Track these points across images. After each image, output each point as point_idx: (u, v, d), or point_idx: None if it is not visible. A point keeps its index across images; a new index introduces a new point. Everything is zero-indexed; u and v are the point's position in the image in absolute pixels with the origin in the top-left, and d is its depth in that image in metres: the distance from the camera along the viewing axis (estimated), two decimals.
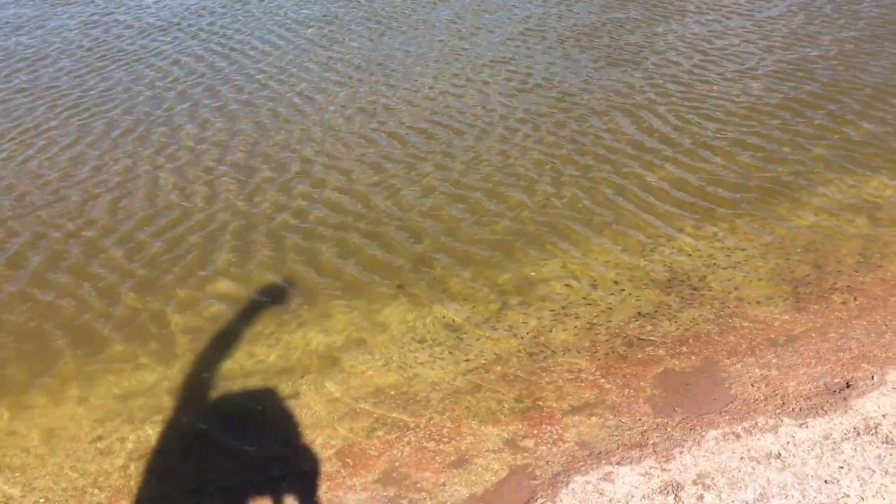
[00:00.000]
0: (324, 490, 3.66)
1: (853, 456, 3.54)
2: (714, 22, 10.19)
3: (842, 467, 3.48)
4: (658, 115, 7.57)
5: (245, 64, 9.49)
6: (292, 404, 4.24)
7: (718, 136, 7.13)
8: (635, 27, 10.12)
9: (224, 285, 5.27)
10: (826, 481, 3.42)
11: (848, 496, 3.33)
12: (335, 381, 4.41)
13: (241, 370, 4.52)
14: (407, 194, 6.35)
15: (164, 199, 6.44)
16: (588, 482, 3.56)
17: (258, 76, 9.07)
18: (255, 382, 4.43)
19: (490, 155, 6.96)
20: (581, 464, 3.69)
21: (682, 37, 9.74)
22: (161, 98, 8.53)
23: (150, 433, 4.10)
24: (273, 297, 5.15)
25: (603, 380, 4.26)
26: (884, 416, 3.76)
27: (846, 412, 3.82)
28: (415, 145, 7.22)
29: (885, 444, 3.57)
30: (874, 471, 3.44)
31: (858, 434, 3.66)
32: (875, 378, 4.04)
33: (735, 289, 4.96)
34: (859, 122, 7.21)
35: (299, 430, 4.06)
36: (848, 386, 4.02)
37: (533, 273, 5.34)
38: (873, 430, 3.67)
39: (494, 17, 10.78)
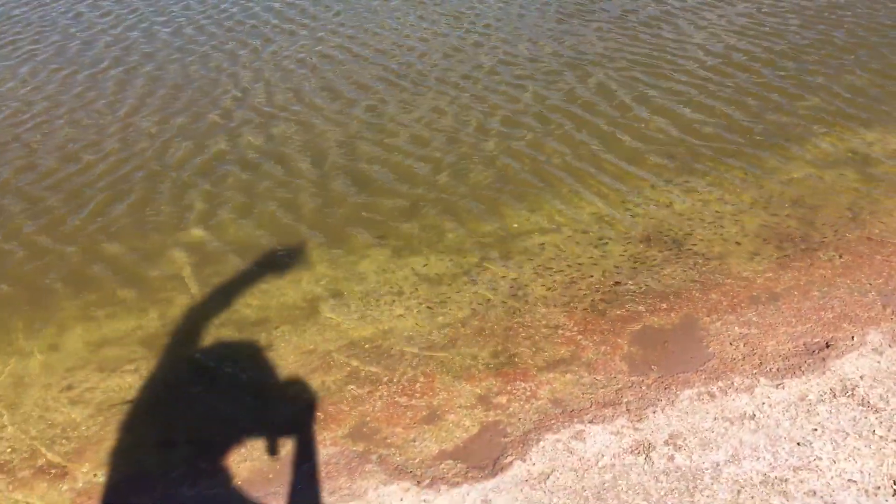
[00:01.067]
0: (293, 444, 3.60)
1: (828, 418, 3.50)
2: None
3: (816, 429, 3.44)
4: (644, 66, 7.37)
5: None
6: (265, 356, 4.17)
7: (707, 89, 6.95)
8: None
9: (199, 234, 5.16)
10: (799, 443, 3.38)
11: (820, 459, 3.29)
12: (310, 333, 4.35)
13: (215, 321, 4.45)
14: (392, 143, 6.20)
15: (133, 147, 6.29)
16: (559, 440, 3.52)
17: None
18: (228, 333, 4.37)
19: (476, 103, 6.77)
20: (553, 421, 3.65)
21: None
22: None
23: (121, 383, 4.04)
24: (250, 247, 5.04)
25: (580, 336, 4.20)
26: (861, 377, 3.71)
27: (824, 373, 3.77)
28: (405, 89, 7.02)
29: (860, 407, 3.53)
30: (848, 433, 3.40)
31: (835, 396, 3.61)
32: (855, 339, 3.98)
33: (719, 245, 4.87)
34: (854, 74, 7.01)
35: (271, 382, 4.00)
36: (827, 346, 3.96)
37: (516, 225, 5.24)
38: (850, 392, 3.62)
39: None
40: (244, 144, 6.31)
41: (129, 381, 4.07)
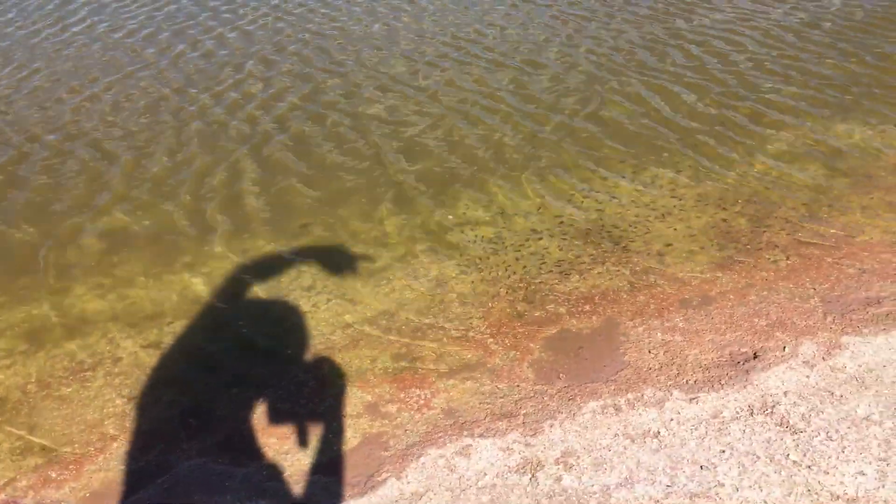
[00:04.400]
0: (154, 454, 3.30)
1: (739, 439, 3.14)
2: None
3: (723, 451, 3.09)
4: (615, 49, 6.98)
5: None
6: (148, 354, 3.87)
7: (676, 74, 6.55)
8: None
9: (121, 215, 4.89)
10: (702, 466, 3.03)
11: (722, 485, 2.95)
12: (203, 331, 4.03)
13: (110, 311, 4.16)
14: (339, 133, 5.88)
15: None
16: (442, 456, 3.20)
17: None
18: (120, 327, 4.06)
19: (428, 87, 6.44)
20: (441, 434, 3.33)
21: None
22: None
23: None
24: (171, 233, 4.75)
25: (491, 339, 3.87)
26: (785, 393, 3.34)
27: (745, 387, 3.41)
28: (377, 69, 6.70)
29: (777, 427, 3.17)
30: (758, 457, 3.04)
31: (752, 413, 3.26)
32: (787, 349, 3.61)
33: (660, 243, 4.51)
34: (834, 63, 6.60)
35: (148, 384, 3.70)
36: (755, 357, 3.60)
37: (450, 217, 4.90)
38: (769, 410, 3.26)
39: None
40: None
41: None
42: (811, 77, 6.39)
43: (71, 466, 3.27)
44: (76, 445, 3.39)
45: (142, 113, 6.32)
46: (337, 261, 4.48)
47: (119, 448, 3.36)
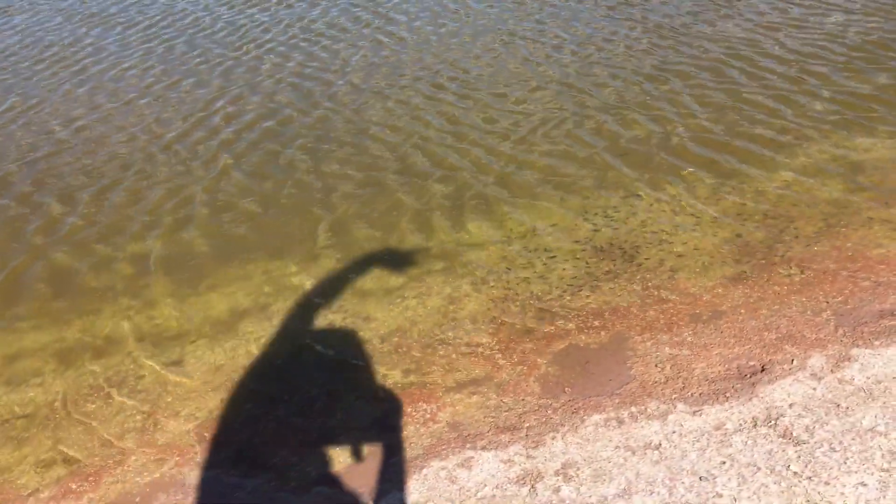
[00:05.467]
0: (170, 466, 3.44)
1: (741, 450, 3.14)
2: None
3: (724, 462, 3.09)
4: (637, 65, 7.03)
5: None
6: (171, 371, 4.02)
7: (693, 88, 6.56)
8: None
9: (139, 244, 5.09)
10: (701, 478, 3.04)
11: (720, 496, 2.95)
12: (224, 349, 4.20)
13: (136, 332, 4.33)
14: (337, 151, 6.04)
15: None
16: (444, 468, 3.26)
17: None
18: (144, 347, 4.22)
19: (444, 108, 6.57)
20: (444, 447, 3.39)
21: None
22: None
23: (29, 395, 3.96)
24: (190, 258, 4.93)
25: (499, 355, 3.93)
26: (790, 406, 3.33)
27: (750, 400, 3.40)
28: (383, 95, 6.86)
29: (780, 439, 3.16)
30: (759, 468, 3.03)
31: (755, 425, 3.25)
32: (795, 362, 3.60)
33: (673, 258, 4.52)
34: (858, 77, 6.54)
35: (168, 400, 3.85)
36: (763, 370, 3.59)
37: (467, 236, 4.98)
38: (773, 422, 3.25)
39: None
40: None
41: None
42: (834, 91, 6.34)
43: (91, 478, 3.41)
44: (96, 458, 3.54)
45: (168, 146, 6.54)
46: (353, 281, 4.59)
47: (137, 461, 3.50)
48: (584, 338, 3.99)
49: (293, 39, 8.56)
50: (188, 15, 9.68)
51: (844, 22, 7.72)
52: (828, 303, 4.02)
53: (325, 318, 4.33)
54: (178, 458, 3.48)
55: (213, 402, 3.82)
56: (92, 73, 8.02)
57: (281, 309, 4.43)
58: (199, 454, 3.49)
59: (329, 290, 4.54)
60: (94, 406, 3.86)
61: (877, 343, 3.65)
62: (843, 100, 6.19)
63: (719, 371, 3.63)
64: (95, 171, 6.08)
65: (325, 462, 3.39)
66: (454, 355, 3.97)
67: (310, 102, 6.99)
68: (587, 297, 4.30)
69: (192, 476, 3.38)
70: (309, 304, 4.45)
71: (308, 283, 4.62)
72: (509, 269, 4.59)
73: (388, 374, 3.89)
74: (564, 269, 4.54)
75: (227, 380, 3.95)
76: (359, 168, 5.80)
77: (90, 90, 7.63)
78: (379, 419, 3.61)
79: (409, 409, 3.65)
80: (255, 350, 4.13)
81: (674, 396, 3.50)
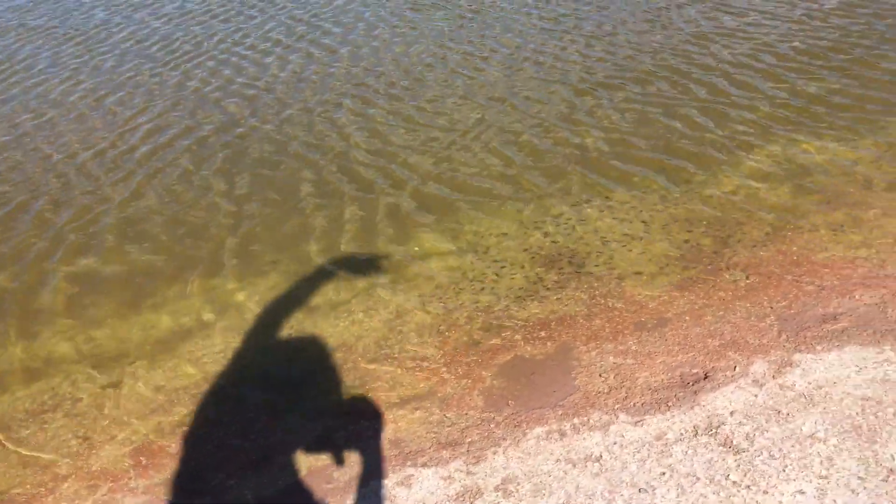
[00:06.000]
0: (103, 492, 3.34)
1: (681, 460, 3.11)
2: None
3: (664, 473, 3.06)
4: (585, 75, 7.03)
5: None
6: (108, 394, 3.92)
7: (647, 95, 6.58)
8: None
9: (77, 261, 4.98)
10: (640, 489, 3.00)
11: None
12: (164, 370, 4.11)
13: (75, 354, 4.22)
14: (295, 168, 5.97)
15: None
16: (383, 486, 3.19)
17: None
18: (80, 369, 4.12)
19: (401, 117, 6.52)
20: (385, 465, 3.31)
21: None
22: None
23: None
24: (134, 274, 4.83)
25: (444, 368, 3.88)
26: (731, 413, 3.31)
27: (692, 408, 3.38)
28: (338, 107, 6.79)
29: (720, 448, 3.13)
30: (698, 478, 3.00)
31: (696, 434, 3.23)
32: (737, 369, 3.59)
33: (622, 266, 4.50)
34: (811, 81, 6.59)
35: (104, 424, 3.74)
36: (706, 377, 3.57)
37: (416, 248, 4.92)
38: (713, 431, 3.23)
39: None
40: None
41: None
42: (780, 97, 6.38)
43: None
44: (28, 486, 3.43)
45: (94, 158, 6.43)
46: (298, 297, 4.52)
47: (69, 488, 3.40)
48: (530, 349, 3.95)
49: (224, 54, 8.45)
50: (124, 28, 9.54)
51: (785, 30, 7.79)
52: (772, 308, 4.01)
53: (269, 336, 4.25)
54: (111, 485, 3.39)
55: (150, 426, 3.72)
56: (17, 91, 7.84)
57: (224, 327, 4.35)
58: (133, 480, 3.40)
59: (273, 306, 4.46)
60: (27, 431, 3.75)
61: (819, 348, 3.65)
62: (789, 105, 6.24)
63: (662, 380, 3.61)
64: (10, 192, 5.94)
65: (263, 484, 3.32)
66: (399, 370, 3.92)
67: (234, 119, 6.87)
68: (534, 306, 4.26)
69: (126, 503, 3.28)
70: (252, 322, 4.37)
71: (252, 301, 4.54)
72: (457, 280, 4.55)
73: (331, 391, 3.81)
74: (513, 279, 4.50)
75: (165, 402, 3.86)
76: (288, 183, 5.72)
77: (12, 109, 7.46)
78: (320, 437, 3.54)
79: (352, 427, 3.58)
80: (195, 370, 4.04)
81: (616, 407, 3.47)
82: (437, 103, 6.81)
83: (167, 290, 4.70)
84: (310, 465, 3.40)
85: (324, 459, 3.41)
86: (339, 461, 3.37)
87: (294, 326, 4.32)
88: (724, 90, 6.57)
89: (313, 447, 3.49)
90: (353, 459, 3.39)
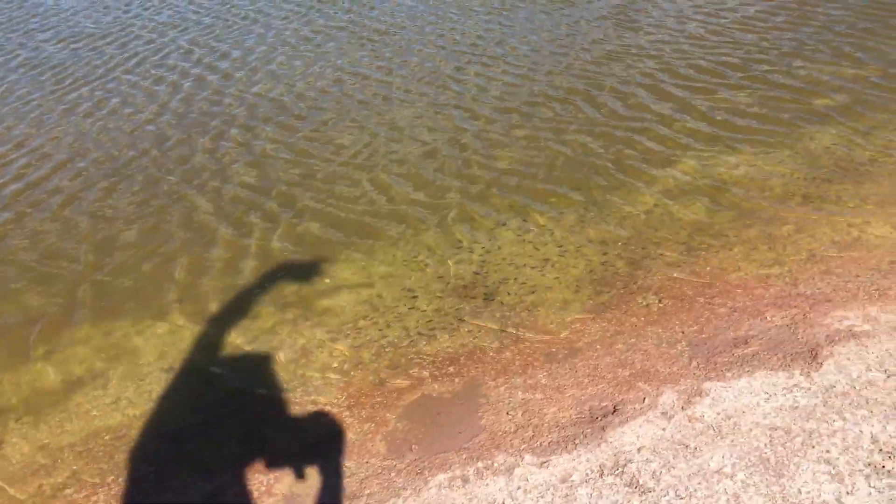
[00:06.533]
0: None
1: None
2: None
3: None
4: (502, 96, 6.93)
5: None
6: None
7: (565, 114, 6.50)
8: None
9: None
10: None
11: None
12: (50, 426, 3.81)
13: None
14: (193, 204, 5.73)
15: None
16: None
17: None
18: None
19: (304, 141, 6.33)
20: None
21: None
22: None
23: None
24: (23, 321, 4.54)
25: (347, 412, 3.68)
26: (639, 450, 3.17)
27: (599, 445, 3.24)
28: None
29: (626, 488, 2.99)
30: None
31: (602, 474, 3.08)
32: (646, 401, 3.46)
33: (535, 293, 4.37)
34: (726, 95, 6.59)
35: None
36: (614, 411, 3.44)
37: (328, 280, 4.72)
38: (620, 470, 3.09)
39: None
40: None
41: None
42: (703, 110, 6.36)
43: None
44: None
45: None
46: (198, 340, 4.29)
47: None
48: (437, 386, 3.79)
49: (113, 82, 8.16)
50: (19, 55, 9.20)
51: (692, 46, 7.82)
52: (683, 333, 3.91)
53: (163, 383, 4.01)
54: None
55: (31, 489, 3.45)
56: None
57: (116, 376, 4.11)
58: None
59: (170, 352, 4.23)
60: None
61: (729, 375, 3.55)
62: (705, 119, 6.23)
63: (571, 415, 3.47)
64: None
65: None
66: (300, 416, 3.71)
67: (111, 153, 6.61)
68: (444, 340, 4.10)
69: None
70: (147, 370, 4.12)
71: (149, 347, 4.30)
72: (366, 313, 4.37)
73: (225, 444, 3.59)
74: (424, 311, 4.34)
75: (48, 462, 3.58)
76: (165, 221, 5.49)
77: None
78: (211, 494, 3.31)
79: (246, 482, 3.35)
80: (83, 425, 3.78)
81: (522, 447, 3.32)
82: (331, 130, 6.61)
83: (57, 337, 4.40)
84: None
85: None
86: None
87: (191, 371, 4.08)
88: (640, 106, 6.52)
89: None
90: None
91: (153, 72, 8.33)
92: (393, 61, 8.06)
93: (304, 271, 4.79)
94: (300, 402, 3.80)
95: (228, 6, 10.50)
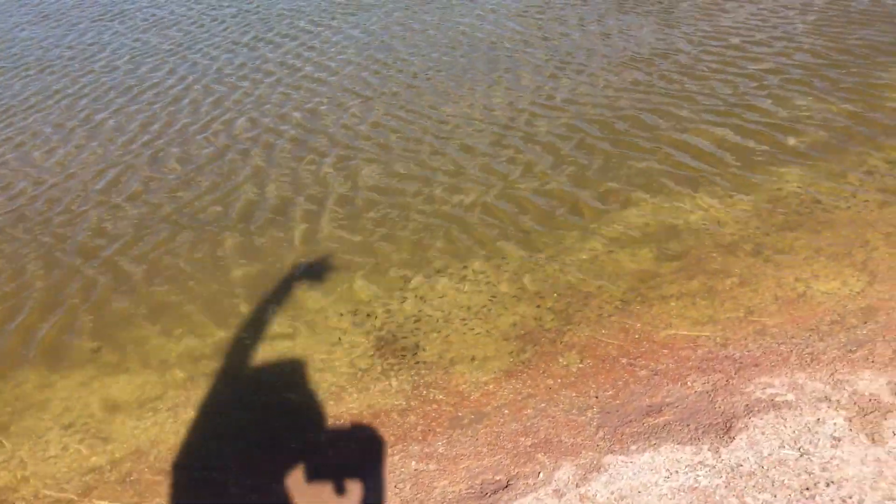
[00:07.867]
0: None
1: None
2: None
3: None
4: (459, 138, 6.76)
5: None
6: None
7: (514, 155, 6.29)
8: None
9: None
10: None
11: None
12: None
13: None
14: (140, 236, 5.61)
15: None
16: None
17: None
18: None
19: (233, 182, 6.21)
20: None
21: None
22: None
23: None
24: None
25: (234, 487, 3.48)
26: None
27: None
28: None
29: None
30: None
31: None
32: (541, 475, 3.23)
33: (455, 349, 4.16)
34: (685, 135, 6.35)
35: None
36: (507, 486, 3.21)
37: (244, 336, 4.54)
38: None
39: None
40: None
41: None
42: (662, 152, 6.12)
43: None
44: None
45: None
46: (105, 392, 4.14)
47: None
48: (332, 453, 3.57)
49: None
50: None
51: (655, 83, 7.58)
52: (597, 398, 3.67)
53: (63, 438, 3.86)
54: None
55: None
56: None
57: (18, 431, 3.94)
58: None
59: (75, 403, 4.08)
60: None
61: (633, 448, 3.30)
62: (664, 160, 5.97)
63: (460, 490, 3.25)
64: None
65: None
66: (186, 484, 3.52)
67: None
68: (352, 401, 3.91)
69: None
70: (45, 423, 3.98)
71: (56, 398, 4.15)
72: (276, 373, 4.17)
73: None
74: (338, 366, 4.16)
75: None
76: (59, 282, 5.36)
77: None
78: None
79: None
80: None
81: None
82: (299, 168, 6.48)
83: None
84: None
85: None
86: None
87: (91, 428, 3.97)
88: (594, 147, 6.30)
89: None
90: None
91: (55, 119, 8.27)
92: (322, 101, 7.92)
93: (224, 323, 4.62)
94: (188, 468, 3.63)
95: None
